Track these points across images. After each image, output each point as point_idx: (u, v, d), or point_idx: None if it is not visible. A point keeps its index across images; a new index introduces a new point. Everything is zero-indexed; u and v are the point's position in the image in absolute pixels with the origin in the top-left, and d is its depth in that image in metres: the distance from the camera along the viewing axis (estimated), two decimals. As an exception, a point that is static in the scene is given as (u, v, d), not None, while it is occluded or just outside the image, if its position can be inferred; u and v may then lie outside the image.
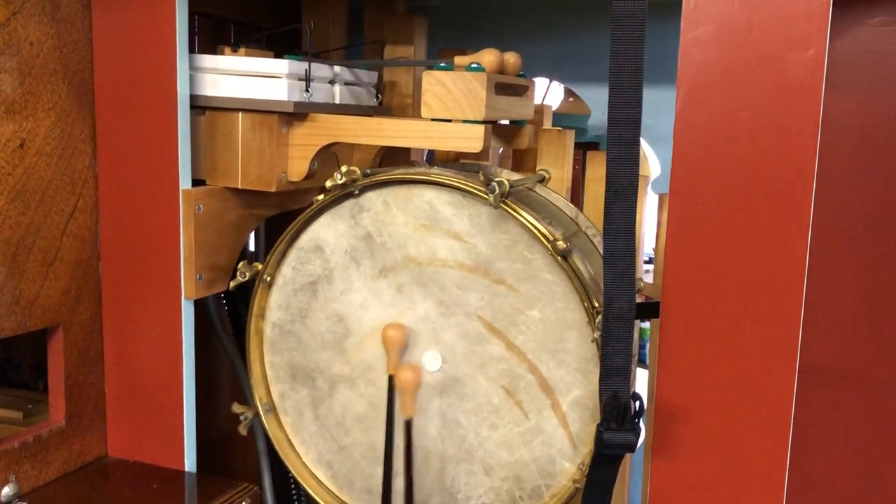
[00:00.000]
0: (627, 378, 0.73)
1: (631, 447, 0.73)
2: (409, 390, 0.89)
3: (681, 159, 0.73)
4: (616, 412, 0.72)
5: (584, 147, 1.20)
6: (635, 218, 0.72)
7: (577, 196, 1.17)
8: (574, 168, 1.16)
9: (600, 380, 0.73)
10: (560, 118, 1.35)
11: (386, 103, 1.14)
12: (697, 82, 0.72)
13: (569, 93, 1.51)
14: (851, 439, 1.12)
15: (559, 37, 1.23)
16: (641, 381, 1.18)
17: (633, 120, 0.71)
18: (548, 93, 1.48)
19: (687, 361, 0.76)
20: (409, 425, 0.90)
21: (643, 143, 1.24)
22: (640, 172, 1.22)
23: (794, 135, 0.70)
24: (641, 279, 0.99)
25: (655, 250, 1.14)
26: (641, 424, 0.75)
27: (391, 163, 1.12)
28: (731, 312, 0.74)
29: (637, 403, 0.72)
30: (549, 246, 0.83)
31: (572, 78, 1.25)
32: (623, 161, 0.71)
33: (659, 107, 1.02)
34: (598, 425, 0.73)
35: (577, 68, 1.23)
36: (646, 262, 1.58)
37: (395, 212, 0.90)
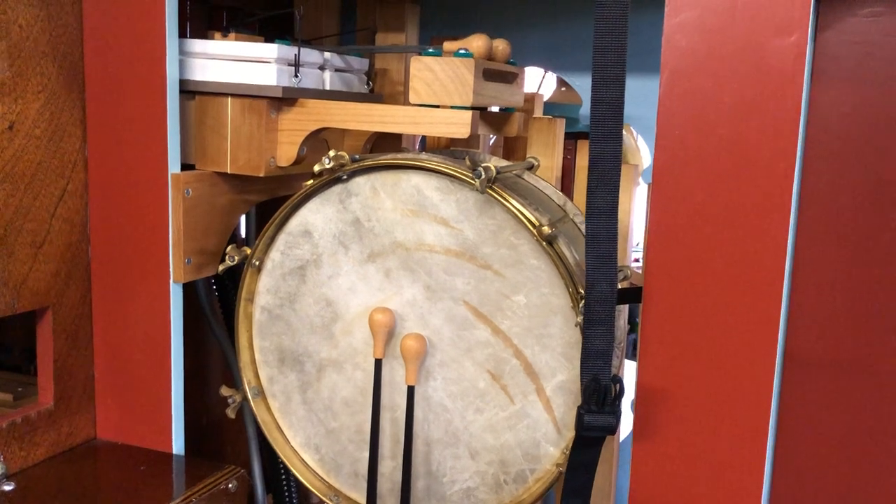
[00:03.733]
0: (608, 361, 0.73)
1: (611, 429, 0.73)
2: (413, 358, 0.90)
3: (663, 144, 0.74)
4: (596, 395, 0.73)
5: (575, 137, 1.21)
6: (618, 202, 0.73)
7: (568, 186, 1.17)
8: (566, 158, 1.16)
9: (581, 363, 0.74)
10: (551, 107, 1.35)
11: (377, 91, 1.15)
12: (680, 68, 0.72)
13: (561, 82, 1.51)
14: (839, 429, 1.12)
15: (552, 26, 1.24)
16: (632, 373, 1.18)
17: (615, 105, 0.71)
18: (542, 82, 1.48)
19: (668, 346, 0.77)
20: (411, 391, 0.90)
21: (634, 133, 1.24)
22: (631, 162, 1.22)
23: (776, 120, 0.71)
24: (629, 267, 1.00)
25: (644, 239, 1.15)
26: (624, 407, 0.75)
27: (382, 150, 1.12)
28: (713, 297, 0.75)
29: (617, 386, 0.73)
30: (535, 231, 0.83)
31: (565, 67, 1.25)
32: (606, 146, 0.72)
33: (649, 97, 1.03)
34: (579, 408, 0.74)
35: (569, 57, 1.23)
36: (636, 262, 1.58)
37: (383, 197, 0.90)
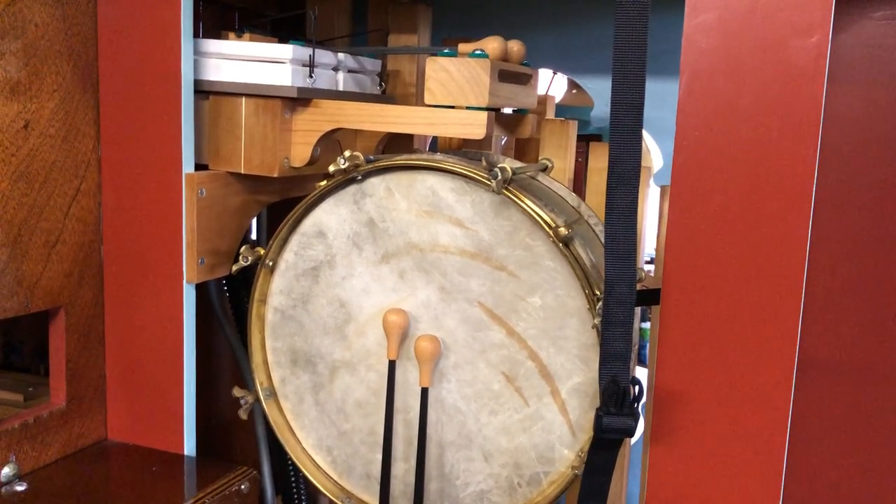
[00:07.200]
0: (627, 363, 0.73)
1: (630, 432, 0.73)
2: (427, 360, 0.89)
3: (683, 146, 0.74)
4: (615, 397, 0.72)
5: (587, 139, 1.21)
6: (637, 203, 0.72)
7: (580, 189, 1.17)
8: (577, 161, 1.16)
9: (600, 364, 0.73)
10: (563, 110, 1.35)
11: (389, 92, 1.15)
12: (700, 69, 0.72)
13: (572, 84, 1.51)
14: (850, 433, 1.12)
15: (564, 27, 1.24)
16: (642, 379, 1.18)
17: (636, 106, 0.71)
18: (552, 83, 1.48)
19: (686, 348, 0.76)
20: (425, 393, 0.90)
21: (646, 135, 1.24)
22: (643, 164, 1.22)
23: (796, 122, 0.71)
24: (642, 269, 1.00)
25: (657, 241, 1.14)
26: (640, 409, 0.75)
27: (394, 151, 1.12)
28: (731, 299, 0.74)
29: (636, 388, 0.73)
30: (551, 233, 0.83)
31: (576, 69, 1.25)
32: (626, 147, 0.71)
33: (663, 99, 1.03)
34: (597, 410, 0.74)
35: (581, 59, 1.23)
36: (647, 263, 1.58)
37: (398, 198, 0.90)
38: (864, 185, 1.08)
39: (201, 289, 1.05)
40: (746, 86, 0.71)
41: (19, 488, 0.89)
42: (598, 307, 0.81)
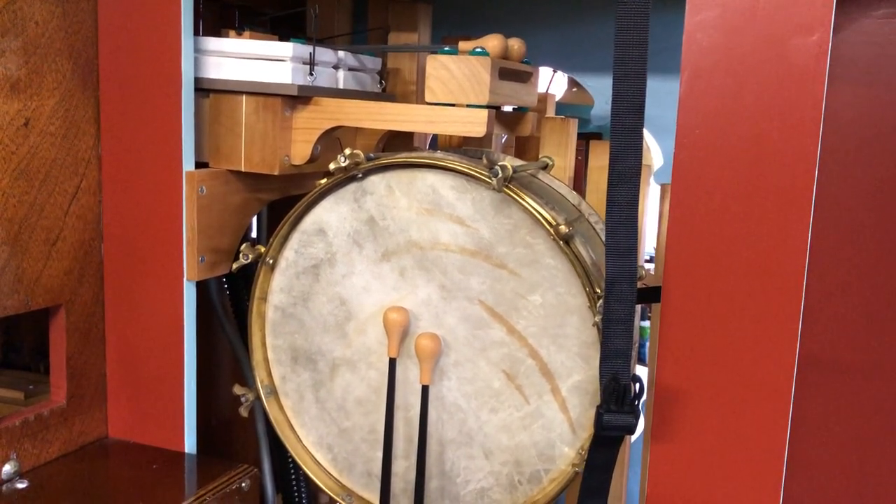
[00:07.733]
0: (628, 361, 0.73)
1: (630, 429, 0.73)
2: (428, 358, 0.89)
3: (683, 143, 0.74)
4: (616, 394, 0.72)
5: (586, 137, 1.21)
6: (638, 201, 0.72)
7: (580, 187, 1.17)
8: (578, 159, 1.16)
9: (601, 362, 0.74)
10: (563, 108, 1.35)
11: (389, 90, 1.15)
12: (701, 66, 0.72)
13: (572, 83, 1.51)
14: (850, 432, 1.12)
15: (564, 26, 1.24)
16: (642, 377, 1.18)
17: (636, 104, 0.71)
18: (552, 82, 1.48)
19: (686, 346, 0.76)
20: (425, 391, 0.90)
21: (646, 133, 1.24)
22: (644, 162, 1.22)
23: (797, 119, 0.71)
24: (643, 267, 1.00)
25: (657, 240, 1.15)
26: (640, 407, 0.75)
27: (394, 149, 1.12)
28: (732, 298, 0.75)
29: (637, 386, 0.73)
30: (552, 230, 0.83)
31: (576, 68, 1.25)
32: (626, 145, 0.72)
33: (663, 97, 1.03)
34: (598, 407, 0.74)
35: (581, 58, 1.23)
36: (647, 262, 1.58)
37: (399, 195, 0.90)
38: (865, 183, 1.08)
39: (201, 287, 1.05)
40: (747, 83, 0.71)
41: (20, 486, 0.89)
42: (598, 305, 0.81)
